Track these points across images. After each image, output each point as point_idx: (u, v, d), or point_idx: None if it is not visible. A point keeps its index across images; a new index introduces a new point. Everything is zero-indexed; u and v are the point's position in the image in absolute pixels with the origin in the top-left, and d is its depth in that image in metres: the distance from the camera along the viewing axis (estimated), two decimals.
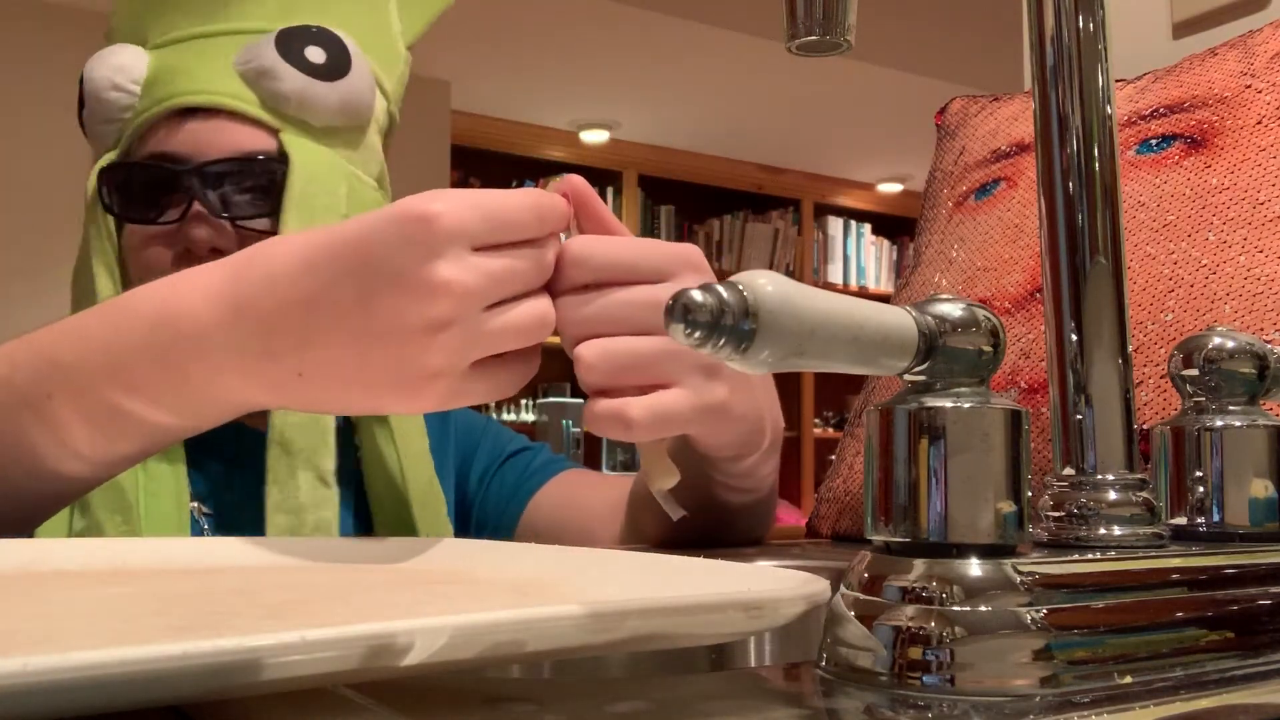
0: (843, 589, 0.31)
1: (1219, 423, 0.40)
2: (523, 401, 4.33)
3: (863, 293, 5.03)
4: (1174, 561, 0.34)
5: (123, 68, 0.77)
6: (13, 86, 3.16)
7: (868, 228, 5.22)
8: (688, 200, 4.78)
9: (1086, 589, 0.31)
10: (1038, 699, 0.28)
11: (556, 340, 0.52)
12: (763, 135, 4.55)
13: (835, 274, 5.11)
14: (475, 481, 0.90)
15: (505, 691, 0.28)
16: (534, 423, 4.09)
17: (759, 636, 0.58)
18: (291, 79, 0.76)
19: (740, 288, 0.26)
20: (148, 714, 0.23)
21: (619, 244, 0.52)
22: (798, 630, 0.35)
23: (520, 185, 4.40)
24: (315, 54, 0.78)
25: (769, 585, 0.34)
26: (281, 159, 0.77)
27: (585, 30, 3.58)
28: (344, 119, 0.79)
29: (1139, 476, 0.36)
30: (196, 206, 0.75)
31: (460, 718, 0.26)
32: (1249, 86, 0.71)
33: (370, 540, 0.54)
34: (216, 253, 0.75)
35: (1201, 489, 0.40)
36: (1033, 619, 0.29)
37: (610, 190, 4.55)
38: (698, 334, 0.26)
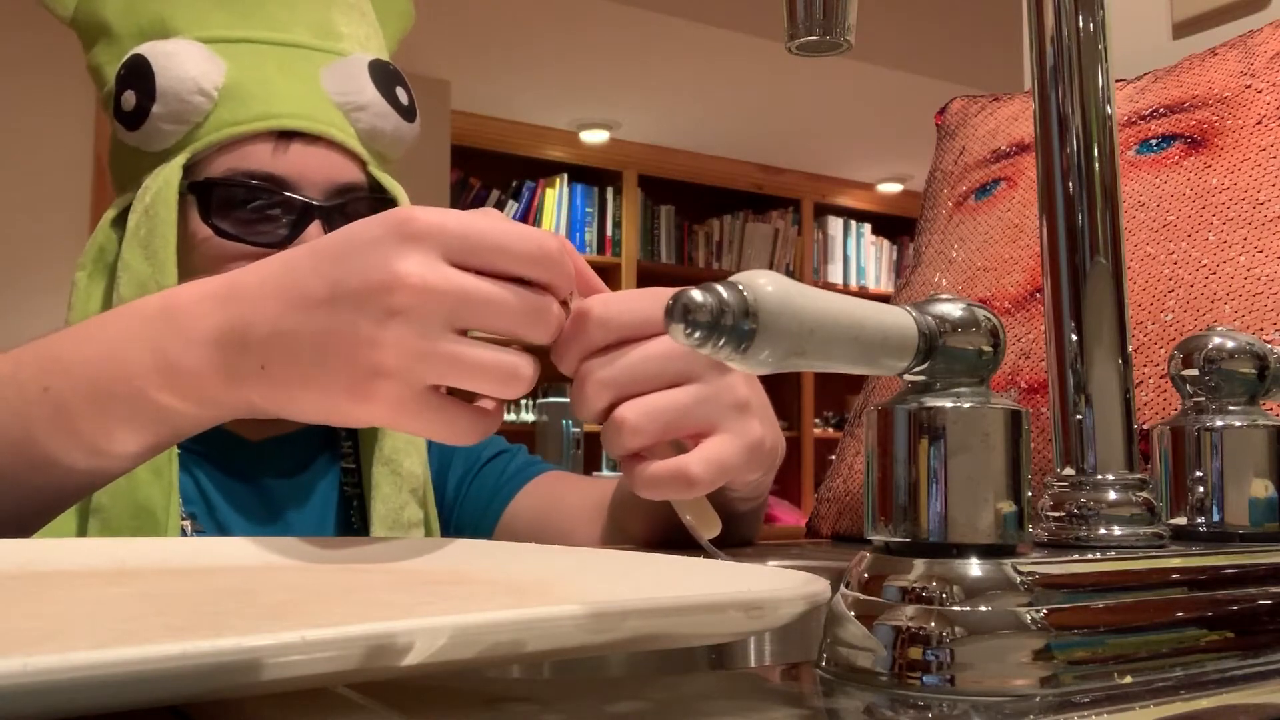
0: (843, 589, 0.31)
1: (1219, 423, 0.40)
2: (523, 401, 4.33)
3: (863, 293, 5.03)
4: (1174, 561, 0.34)
5: (205, 72, 0.76)
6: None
7: (868, 228, 5.22)
8: (688, 200, 4.78)
9: (1086, 589, 0.31)
10: (1038, 699, 0.28)
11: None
12: (763, 135, 4.55)
13: (835, 274, 5.11)
14: (453, 487, 0.91)
15: (505, 691, 0.28)
16: (534, 423, 4.09)
17: (759, 636, 0.58)
18: (389, 119, 0.81)
19: (740, 288, 0.26)
20: (148, 714, 0.23)
21: (634, 298, 0.51)
22: (798, 630, 0.35)
23: (520, 185, 4.40)
24: (402, 95, 0.83)
25: (769, 585, 0.34)
26: (380, 192, 0.82)
27: (585, 30, 3.58)
28: (403, 153, 0.85)
29: (1139, 476, 0.36)
30: (319, 234, 0.76)
31: (460, 718, 0.26)
32: (1249, 86, 0.71)
33: (370, 540, 0.54)
34: None
35: (1201, 489, 0.40)
36: (1033, 619, 0.29)
37: (610, 190, 4.55)
38: (698, 334, 0.26)
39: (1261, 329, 0.61)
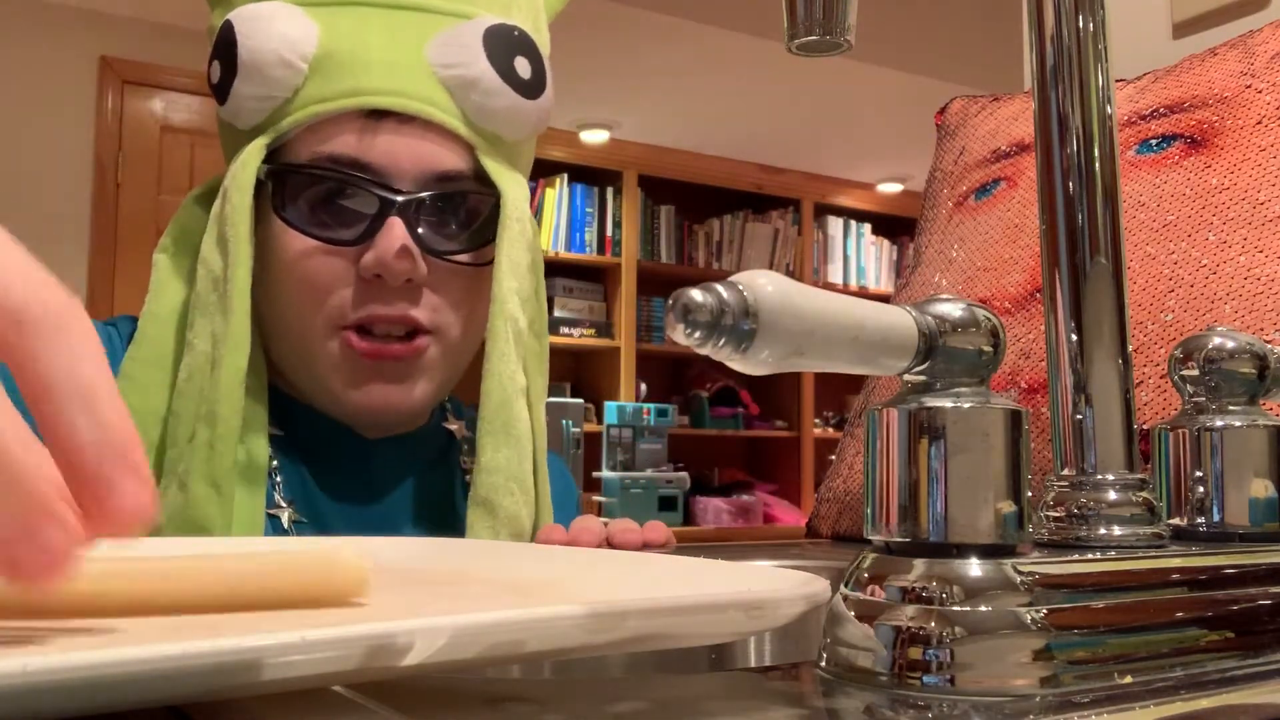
0: (843, 589, 0.31)
1: (1219, 423, 0.40)
2: None
3: (863, 293, 5.02)
4: (1174, 561, 0.34)
5: (292, 41, 0.67)
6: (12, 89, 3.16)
7: (868, 228, 5.21)
8: (688, 200, 4.78)
9: (1086, 589, 0.31)
10: (1038, 699, 0.28)
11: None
12: (763, 135, 4.55)
13: (835, 274, 5.11)
14: None
15: (505, 691, 0.28)
16: None
17: (759, 636, 0.58)
18: (502, 96, 0.70)
19: (740, 288, 0.26)
20: (148, 714, 0.23)
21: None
22: (798, 630, 0.35)
23: None
24: (523, 67, 0.71)
25: (769, 585, 0.34)
26: (486, 185, 0.71)
27: (585, 30, 3.58)
28: (532, 134, 0.75)
29: (1139, 476, 0.36)
30: (403, 238, 0.67)
31: (460, 718, 0.26)
32: (1249, 86, 0.71)
33: (371, 540, 0.54)
34: (410, 283, 0.69)
35: (1201, 489, 0.40)
36: (1033, 619, 0.29)
37: (610, 190, 4.55)
38: (698, 334, 0.26)
39: (1261, 329, 0.61)
